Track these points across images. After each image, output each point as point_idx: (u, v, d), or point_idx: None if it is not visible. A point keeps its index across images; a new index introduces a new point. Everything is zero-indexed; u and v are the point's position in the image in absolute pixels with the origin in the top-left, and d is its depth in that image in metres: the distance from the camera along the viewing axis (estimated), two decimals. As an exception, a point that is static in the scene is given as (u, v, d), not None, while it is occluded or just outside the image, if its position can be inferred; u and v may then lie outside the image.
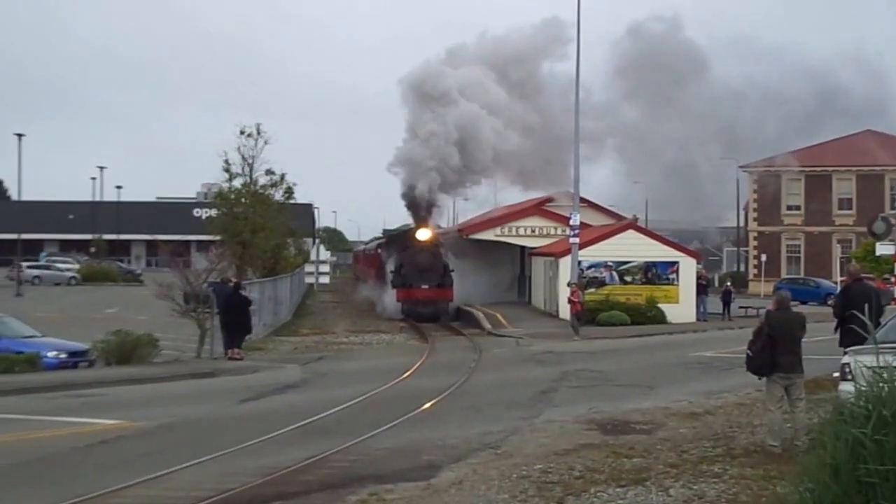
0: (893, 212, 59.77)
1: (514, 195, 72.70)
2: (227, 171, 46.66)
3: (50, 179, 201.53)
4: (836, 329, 18.12)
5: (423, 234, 52.78)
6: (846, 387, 12.64)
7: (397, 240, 60.10)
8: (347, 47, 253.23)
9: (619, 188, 68.23)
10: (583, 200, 48.17)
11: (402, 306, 51.29)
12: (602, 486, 12.29)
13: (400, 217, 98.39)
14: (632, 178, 72.16)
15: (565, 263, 44.57)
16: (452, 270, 52.62)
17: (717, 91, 61.26)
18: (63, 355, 28.71)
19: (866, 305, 16.33)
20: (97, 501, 12.50)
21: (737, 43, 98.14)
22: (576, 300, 39.03)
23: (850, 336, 16.18)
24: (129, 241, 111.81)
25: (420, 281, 50.74)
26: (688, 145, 61.60)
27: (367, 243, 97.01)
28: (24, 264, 77.10)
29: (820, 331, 22.42)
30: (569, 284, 40.96)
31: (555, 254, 48.23)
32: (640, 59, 58.75)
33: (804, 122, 67.00)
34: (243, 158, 46.68)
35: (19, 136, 70.84)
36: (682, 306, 46.17)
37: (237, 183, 47.09)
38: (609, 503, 11.55)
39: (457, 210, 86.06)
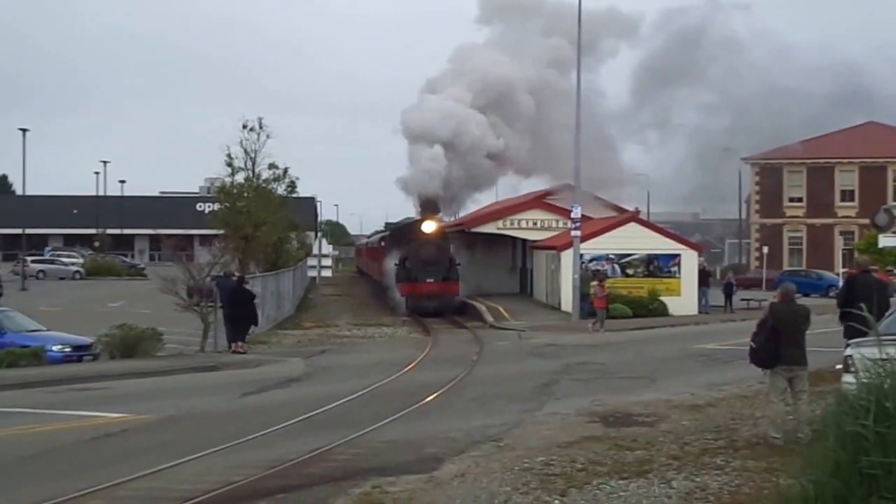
0: (896, 203, 59.73)
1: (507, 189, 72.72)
2: (229, 165, 46.69)
3: (54, 174, 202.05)
4: (840, 320, 18.06)
5: (429, 226, 50.96)
6: (849, 379, 12.66)
7: (402, 232, 58.04)
8: (351, 40, 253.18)
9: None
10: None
11: (406, 301, 49.81)
12: (604, 479, 12.32)
13: (402, 211, 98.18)
14: (662, 165, 72.59)
15: (567, 256, 44.60)
16: (459, 264, 51.38)
17: (750, 81, 61.88)
18: (67, 349, 28.83)
19: (871, 296, 16.51)
20: (102, 494, 12.53)
21: (763, 36, 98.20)
22: (602, 294, 38.95)
23: (854, 328, 16.21)
24: (132, 236, 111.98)
25: (425, 275, 49.13)
26: (714, 136, 62.15)
27: (369, 236, 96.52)
28: (29, 259, 77.24)
29: (822, 323, 22.42)
30: (596, 277, 41.22)
31: (557, 247, 48.23)
32: (676, 44, 59.27)
33: (827, 115, 67.55)
34: (246, 153, 46.68)
35: (23, 131, 70.93)
36: (683, 299, 46.20)
37: (240, 177, 47.11)
38: (611, 495, 11.56)
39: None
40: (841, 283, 25.16)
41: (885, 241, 33.33)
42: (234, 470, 13.72)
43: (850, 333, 16.36)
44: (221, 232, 46.93)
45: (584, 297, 42.90)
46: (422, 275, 49.22)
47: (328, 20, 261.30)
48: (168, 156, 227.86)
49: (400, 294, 50.56)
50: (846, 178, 76.12)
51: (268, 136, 46.69)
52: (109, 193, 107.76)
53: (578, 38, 43.60)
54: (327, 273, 61.37)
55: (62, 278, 78.57)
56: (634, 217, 50.61)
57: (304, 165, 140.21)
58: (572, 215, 43.37)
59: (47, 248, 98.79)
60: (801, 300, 16.10)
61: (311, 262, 69.26)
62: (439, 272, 49.45)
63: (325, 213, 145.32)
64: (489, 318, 43.69)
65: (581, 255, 43.47)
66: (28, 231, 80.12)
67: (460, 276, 51.06)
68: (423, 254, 49.88)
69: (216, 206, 52.14)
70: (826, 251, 72.85)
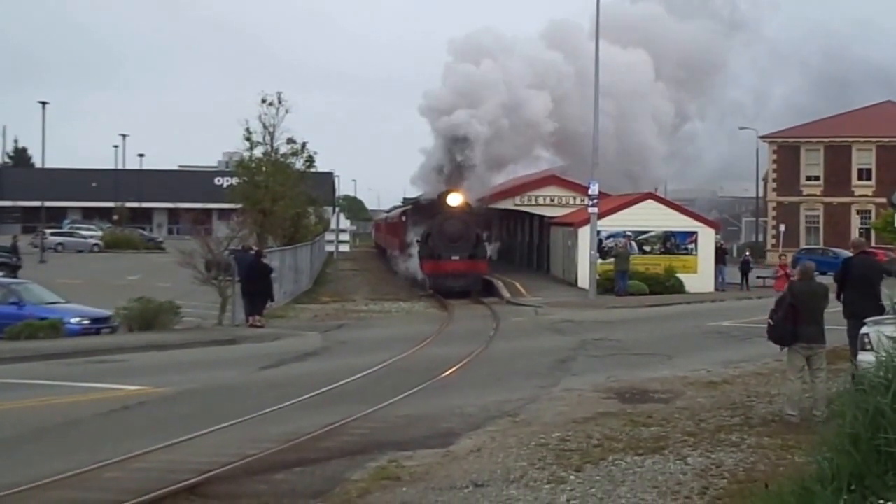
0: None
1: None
2: (248, 139, 46.77)
3: (73, 147, 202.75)
4: (837, 297, 17.97)
5: (455, 199, 47.27)
6: (866, 357, 12.65)
7: (424, 206, 53.48)
8: (373, 12, 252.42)
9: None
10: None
11: (428, 280, 46.67)
12: (620, 455, 12.35)
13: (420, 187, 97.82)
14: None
15: (584, 233, 44.53)
16: (486, 240, 49.05)
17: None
18: (86, 321, 28.90)
19: (866, 277, 16.64)
20: (119, 466, 12.62)
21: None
22: (784, 272, 35.76)
23: (850, 306, 16.32)
24: (151, 209, 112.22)
25: (450, 252, 45.87)
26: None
27: (388, 211, 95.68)
28: (48, 231, 77.60)
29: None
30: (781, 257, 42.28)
31: (573, 223, 48.13)
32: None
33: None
34: (264, 127, 46.75)
35: (43, 104, 71.08)
36: (700, 276, 46.11)
37: (258, 151, 47.23)
38: (627, 471, 11.59)
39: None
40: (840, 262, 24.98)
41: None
42: (251, 443, 13.79)
43: (847, 311, 16.47)
44: (239, 206, 46.99)
45: (622, 273, 42.76)
46: (446, 252, 46.05)
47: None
48: (187, 130, 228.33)
49: (423, 273, 47.57)
50: (863, 157, 75.62)
51: (286, 111, 46.81)
52: (128, 167, 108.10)
53: (597, 12, 43.38)
54: (345, 248, 61.02)
55: (81, 251, 78.76)
56: (652, 194, 50.48)
57: (323, 140, 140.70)
58: (589, 192, 43.16)
59: (66, 221, 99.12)
60: (819, 278, 16.04)
61: (329, 236, 69.32)
62: (465, 249, 46.29)
63: (343, 188, 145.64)
64: (506, 294, 43.62)
65: (598, 232, 43.40)
66: (47, 204, 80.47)
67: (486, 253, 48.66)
68: (448, 229, 46.57)
69: (234, 180, 52.26)
70: (843, 230, 72.38)
